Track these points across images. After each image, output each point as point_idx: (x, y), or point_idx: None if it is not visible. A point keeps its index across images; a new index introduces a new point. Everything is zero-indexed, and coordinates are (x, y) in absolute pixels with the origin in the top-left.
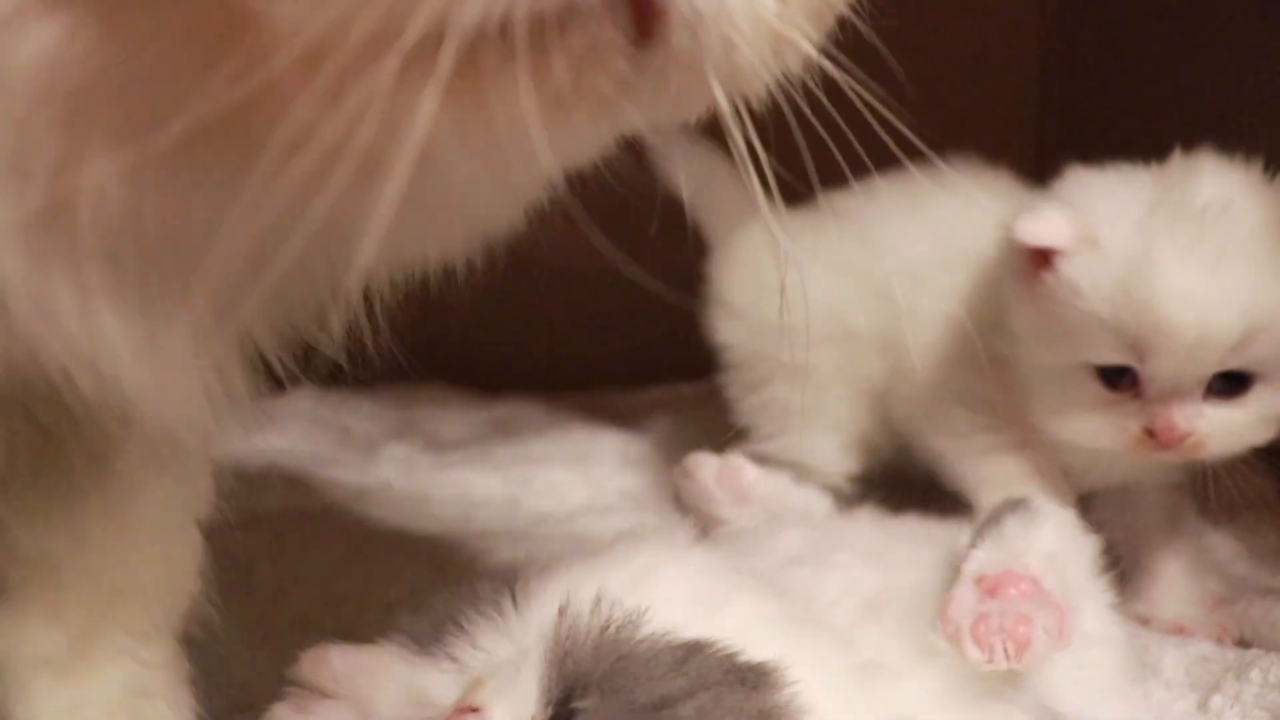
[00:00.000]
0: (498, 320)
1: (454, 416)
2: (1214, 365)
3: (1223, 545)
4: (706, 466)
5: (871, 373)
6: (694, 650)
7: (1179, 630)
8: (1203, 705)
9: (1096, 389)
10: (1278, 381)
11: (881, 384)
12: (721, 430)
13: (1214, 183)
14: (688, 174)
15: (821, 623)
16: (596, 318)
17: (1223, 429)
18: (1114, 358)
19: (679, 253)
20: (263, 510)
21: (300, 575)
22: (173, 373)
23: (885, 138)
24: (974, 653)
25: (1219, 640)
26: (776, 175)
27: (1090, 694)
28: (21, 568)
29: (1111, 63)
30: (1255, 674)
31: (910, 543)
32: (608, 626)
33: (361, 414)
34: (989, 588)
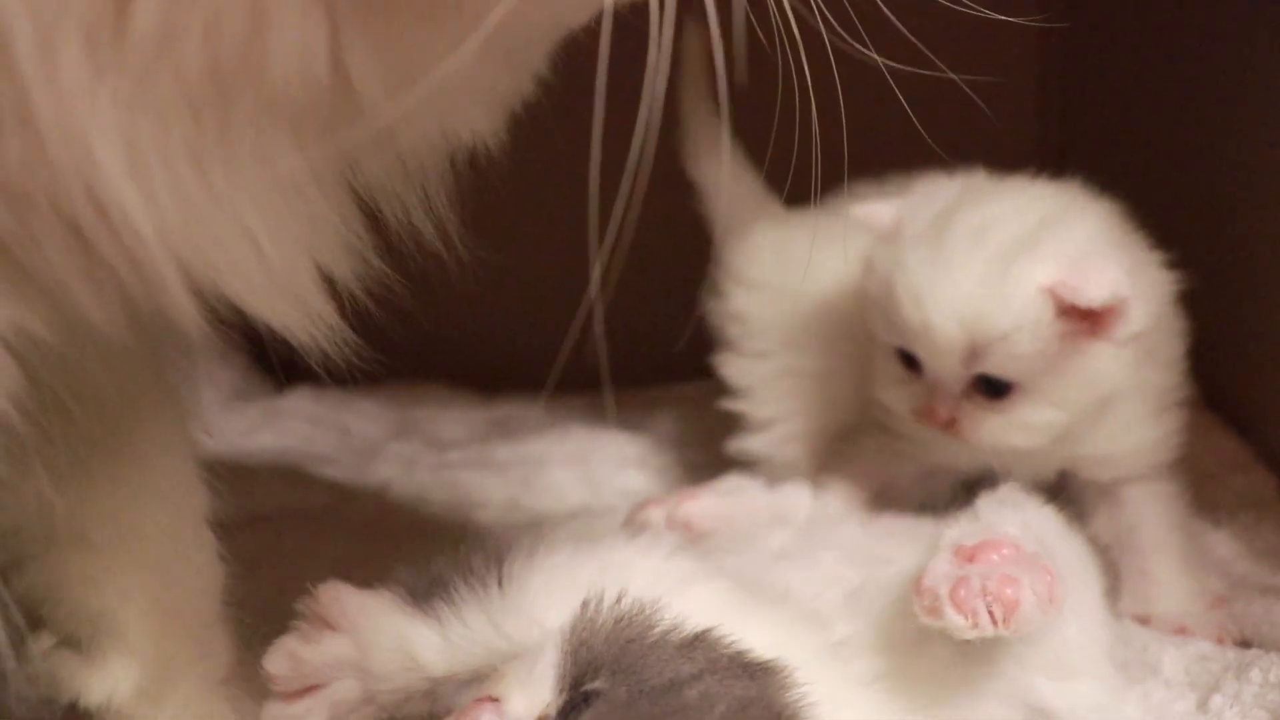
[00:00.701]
0: (498, 320)
1: (454, 416)
2: (958, 366)
3: (1223, 545)
4: (654, 517)
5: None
6: (702, 639)
7: (1179, 630)
8: (1202, 705)
9: (898, 366)
10: (1037, 393)
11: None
12: (721, 430)
13: (988, 202)
14: (711, 165)
15: (798, 606)
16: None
17: (982, 426)
18: (895, 340)
19: (680, 253)
20: (263, 510)
21: (300, 575)
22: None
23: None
24: (955, 619)
25: (1219, 640)
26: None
27: (1073, 681)
28: (86, 624)
29: (1111, 66)
30: (1255, 674)
31: (895, 539)
32: (622, 618)
33: (361, 414)
34: (967, 555)
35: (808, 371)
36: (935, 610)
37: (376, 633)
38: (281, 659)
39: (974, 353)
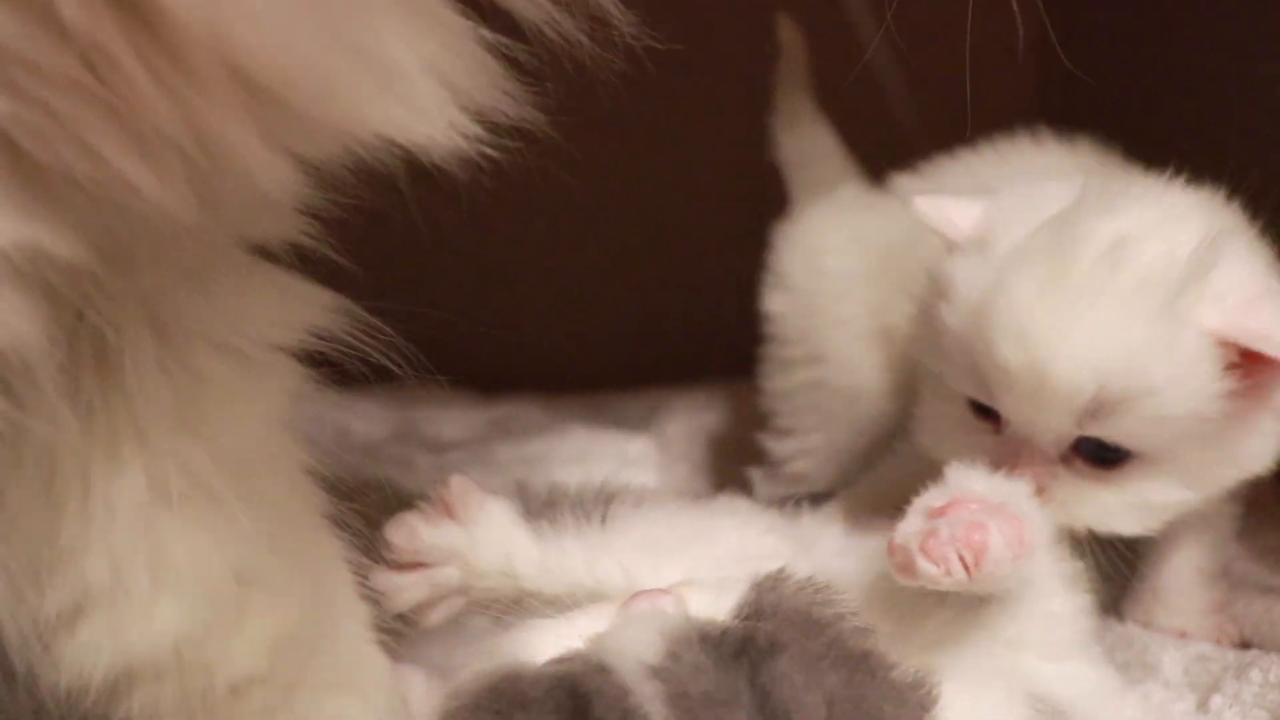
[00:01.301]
0: (498, 320)
1: (454, 416)
2: (1068, 426)
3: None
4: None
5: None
6: (869, 638)
7: (1179, 633)
8: (1202, 705)
9: (966, 412)
10: (1160, 467)
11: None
12: (721, 430)
13: (1123, 212)
14: (794, 135)
15: None
16: (597, 318)
17: (1083, 501)
18: (965, 384)
19: (682, 254)
20: None
21: None
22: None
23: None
24: (927, 567)
25: (1218, 642)
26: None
27: (1070, 664)
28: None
29: (1109, 62)
30: (1255, 674)
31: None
32: (806, 588)
33: (361, 414)
34: (937, 512)
35: (835, 387)
36: (908, 565)
37: (488, 532)
38: (403, 531)
39: (1096, 411)
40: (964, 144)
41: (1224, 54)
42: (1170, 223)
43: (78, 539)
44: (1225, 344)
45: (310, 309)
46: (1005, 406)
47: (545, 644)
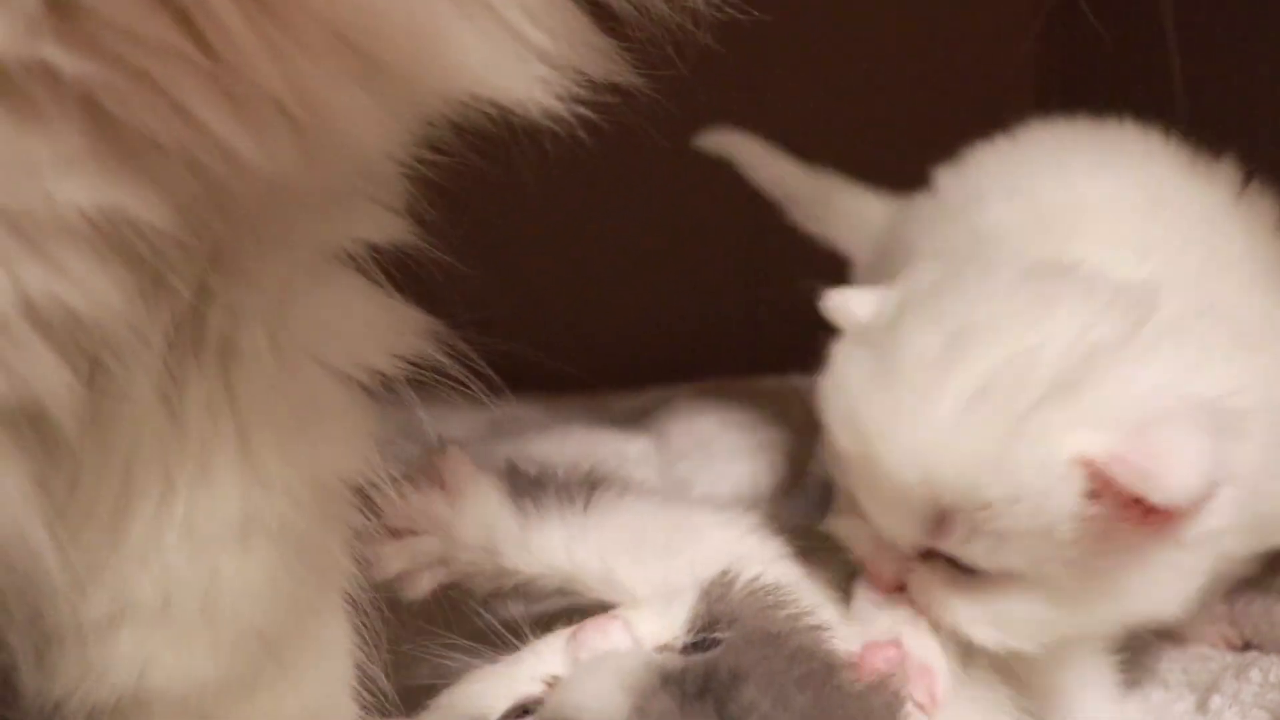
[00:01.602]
0: (499, 320)
1: (454, 416)
2: (915, 533)
3: None
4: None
5: None
6: (826, 639)
7: (1178, 638)
8: (1202, 706)
9: (849, 496)
10: (1025, 584)
11: None
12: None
13: (981, 299)
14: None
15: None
16: (597, 318)
17: (944, 606)
18: (831, 470)
19: (682, 255)
20: None
21: None
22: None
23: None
24: None
25: (1214, 645)
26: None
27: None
28: None
29: (1110, 60)
30: (1255, 674)
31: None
32: (757, 591)
33: None
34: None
35: None
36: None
37: (474, 506)
38: (393, 497)
39: (941, 521)
40: (962, 140)
41: (1230, 44)
42: (1042, 312)
43: (141, 550)
44: (1091, 471)
45: (406, 333)
46: (859, 499)
47: (499, 696)
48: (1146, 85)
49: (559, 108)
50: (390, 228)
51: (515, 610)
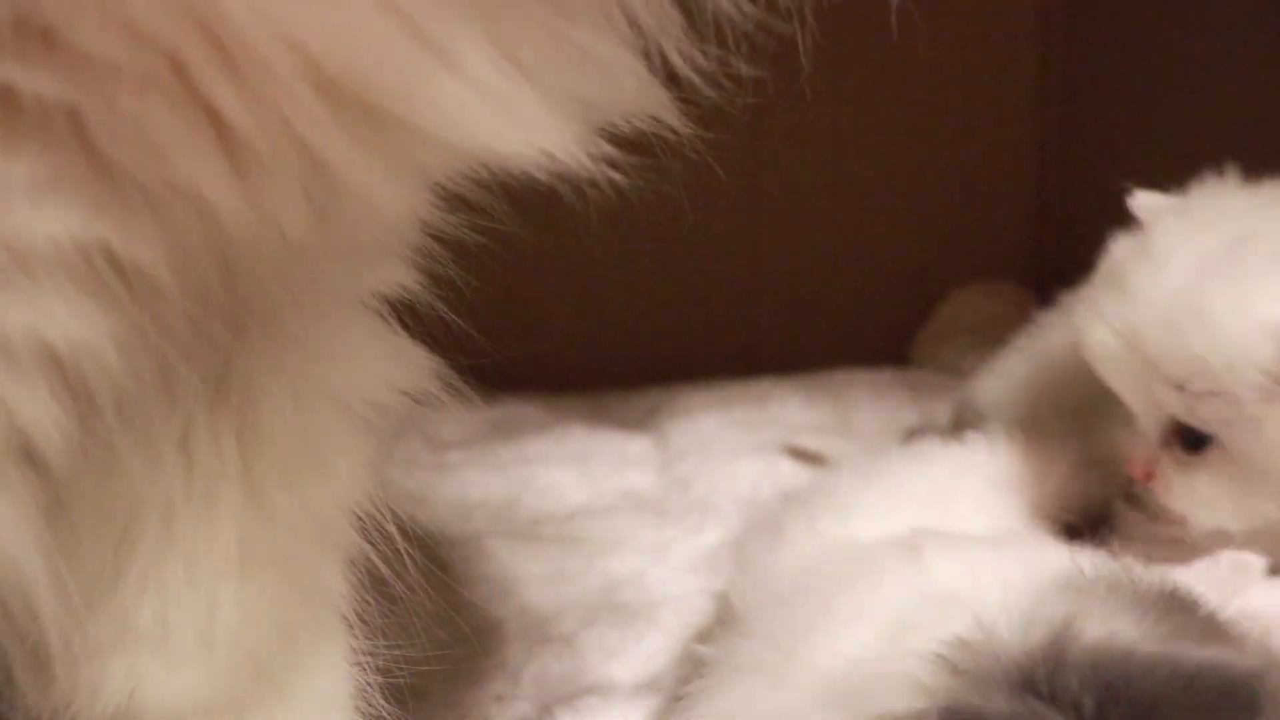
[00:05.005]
0: (498, 320)
1: (454, 416)
2: (1156, 396)
3: None
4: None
5: None
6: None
7: None
8: None
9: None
10: (1241, 455)
11: None
12: (721, 429)
13: (1230, 191)
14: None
15: None
16: (597, 318)
17: (1177, 488)
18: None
19: (681, 255)
20: None
21: None
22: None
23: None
24: None
25: None
26: None
27: None
28: None
29: (1113, 69)
30: None
31: None
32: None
33: None
34: None
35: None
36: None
37: None
38: None
39: (1178, 390)
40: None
41: (1229, 46)
42: None
43: (141, 579)
44: None
45: (411, 370)
46: (1115, 385)
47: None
48: (1147, 99)
49: (568, 162)
50: (407, 278)
51: None
